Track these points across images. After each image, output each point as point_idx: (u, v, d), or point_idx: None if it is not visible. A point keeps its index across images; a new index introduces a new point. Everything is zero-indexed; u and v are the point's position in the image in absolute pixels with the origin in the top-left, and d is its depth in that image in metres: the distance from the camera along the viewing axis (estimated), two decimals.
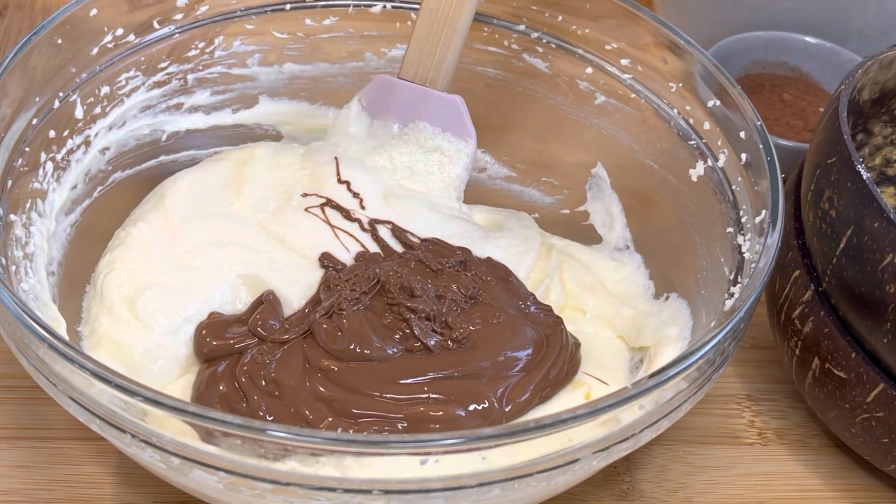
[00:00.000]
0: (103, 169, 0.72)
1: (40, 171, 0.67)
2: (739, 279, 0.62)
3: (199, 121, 0.77)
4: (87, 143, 0.71)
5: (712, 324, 0.61)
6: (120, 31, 0.71)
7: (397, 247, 0.71)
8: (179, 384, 0.65)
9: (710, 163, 0.69)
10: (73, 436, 0.67)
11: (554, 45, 0.76)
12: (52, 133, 0.68)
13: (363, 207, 0.72)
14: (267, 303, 0.66)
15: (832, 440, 0.71)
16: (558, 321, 0.68)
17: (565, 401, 0.65)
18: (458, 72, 0.74)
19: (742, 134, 0.67)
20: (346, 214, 0.71)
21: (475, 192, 0.78)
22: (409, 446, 0.51)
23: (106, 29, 0.71)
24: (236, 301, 0.68)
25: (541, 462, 0.53)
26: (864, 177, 0.60)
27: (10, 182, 0.64)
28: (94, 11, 0.70)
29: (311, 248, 0.69)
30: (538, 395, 0.64)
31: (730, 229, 0.66)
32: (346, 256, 0.69)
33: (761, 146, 0.65)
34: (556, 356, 0.66)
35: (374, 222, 0.71)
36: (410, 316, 0.65)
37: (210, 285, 0.67)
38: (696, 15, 0.94)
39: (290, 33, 0.77)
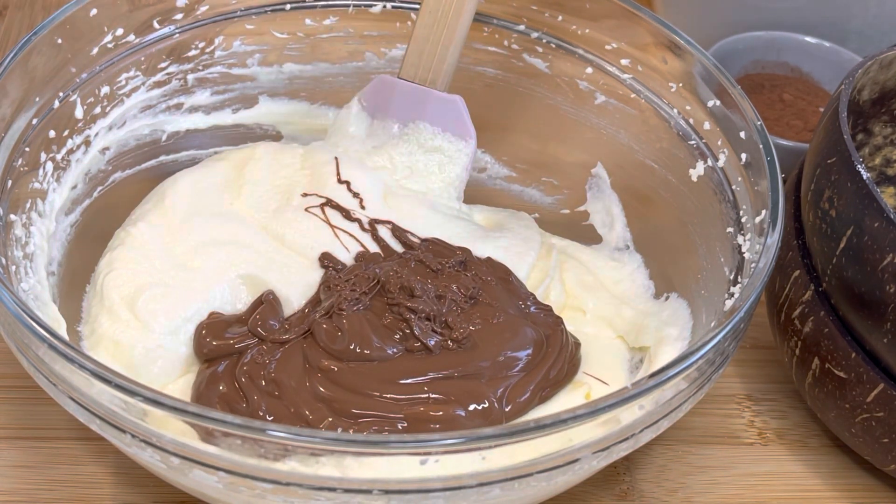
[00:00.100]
0: (103, 169, 0.72)
1: (40, 171, 0.67)
2: (739, 279, 0.62)
3: (199, 121, 0.77)
4: (87, 143, 0.71)
5: (712, 324, 0.61)
6: (120, 31, 0.71)
7: (397, 247, 0.71)
8: (179, 384, 0.65)
9: (710, 163, 0.69)
10: (73, 436, 0.67)
11: (554, 45, 0.76)
12: (52, 133, 0.68)
13: (363, 207, 0.72)
14: (267, 303, 0.66)
15: (832, 440, 0.71)
16: (558, 321, 0.68)
17: (565, 401, 0.65)
18: (458, 72, 0.74)
19: (742, 134, 0.67)
20: (346, 214, 0.71)
21: (475, 192, 0.78)
22: (409, 446, 0.51)
23: (106, 29, 0.71)
24: (236, 301, 0.68)
25: (541, 462, 0.53)
26: (864, 177, 0.60)
27: (10, 182, 0.64)
28: (94, 11, 0.70)
29: (311, 248, 0.69)
30: (538, 395, 0.64)
31: (730, 229, 0.66)
32: (346, 256, 0.69)
33: (761, 146, 0.65)
34: (556, 356, 0.66)
35: (374, 222, 0.71)
36: (410, 316, 0.65)
37: (210, 285, 0.67)
38: (696, 15, 0.94)
39: (290, 33, 0.77)
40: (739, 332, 0.59)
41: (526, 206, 0.79)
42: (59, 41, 0.68)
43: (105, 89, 0.71)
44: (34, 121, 0.66)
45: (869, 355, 0.62)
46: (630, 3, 0.73)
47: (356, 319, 0.65)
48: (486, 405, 0.62)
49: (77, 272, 0.69)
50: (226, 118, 0.78)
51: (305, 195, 0.72)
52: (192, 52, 0.75)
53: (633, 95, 0.74)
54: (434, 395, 0.62)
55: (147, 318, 0.65)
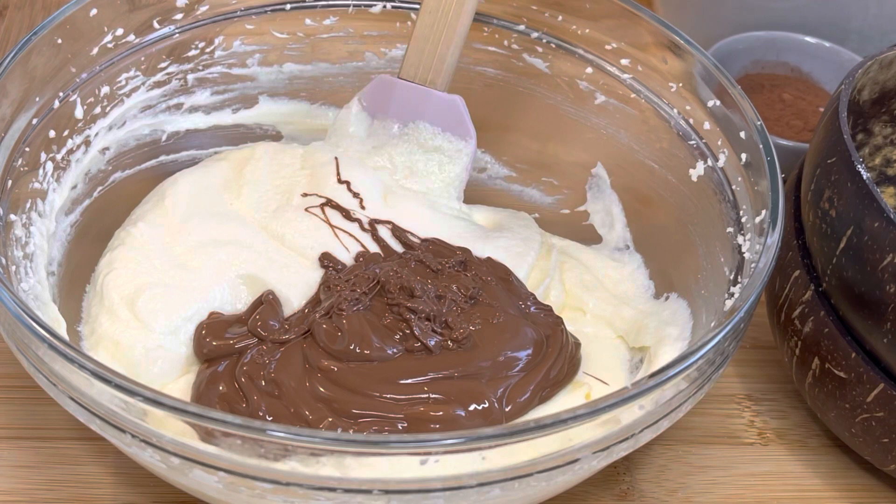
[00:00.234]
0: (103, 169, 0.72)
1: (40, 171, 0.67)
2: (739, 279, 0.62)
3: (199, 121, 0.77)
4: (87, 143, 0.71)
5: (712, 324, 0.61)
6: (120, 31, 0.71)
7: (397, 247, 0.71)
8: (179, 384, 0.65)
9: (710, 163, 0.69)
10: (73, 436, 0.67)
11: (554, 45, 0.76)
12: (52, 133, 0.68)
13: (363, 207, 0.72)
14: (267, 303, 0.66)
15: (832, 440, 0.71)
16: (558, 321, 0.68)
17: (565, 401, 0.65)
18: (458, 72, 0.74)
19: (742, 134, 0.67)
20: (346, 214, 0.71)
21: (475, 192, 0.78)
22: (409, 446, 0.51)
23: (106, 29, 0.71)
24: (236, 301, 0.68)
25: (541, 462, 0.53)
26: (864, 177, 0.60)
27: (10, 182, 0.64)
28: (94, 11, 0.70)
29: (311, 248, 0.69)
30: (538, 396, 0.64)
31: (730, 229, 0.66)
32: (346, 256, 0.69)
33: (761, 146, 0.65)
34: (557, 356, 0.66)
35: (374, 222, 0.71)
36: (410, 316, 0.65)
37: (210, 285, 0.67)
38: (696, 15, 0.94)
39: (290, 33, 0.77)
40: (739, 332, 0.59)
41: (526, 206, 0.79)
42: (59, 41, 0.68)
43: (105, 89, 0.71)
44: (34, 121, 0.66)
45: (869, 355, 0.62)
46: (630, 3, 0.73)
47: (356, 319, 0.65)
48: (486, 405, 0.62)
49: (77, 272, 0.69)
50: (226, 118, 0.78)
51: (305, 195, 0.72)
52: (192, 52, 0.75)
53: (633, 95, 0.74)
54: (434, 396, 0.62)
55: (147, 318, 0.65)
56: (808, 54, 0.90)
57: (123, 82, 0.72)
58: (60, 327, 0.62)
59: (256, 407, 0.61)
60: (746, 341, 0.76)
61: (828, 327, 0.63)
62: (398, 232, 0.71)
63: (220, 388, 0.63)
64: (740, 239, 0.64)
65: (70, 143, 0.69)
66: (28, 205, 0.66)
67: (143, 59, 0.73)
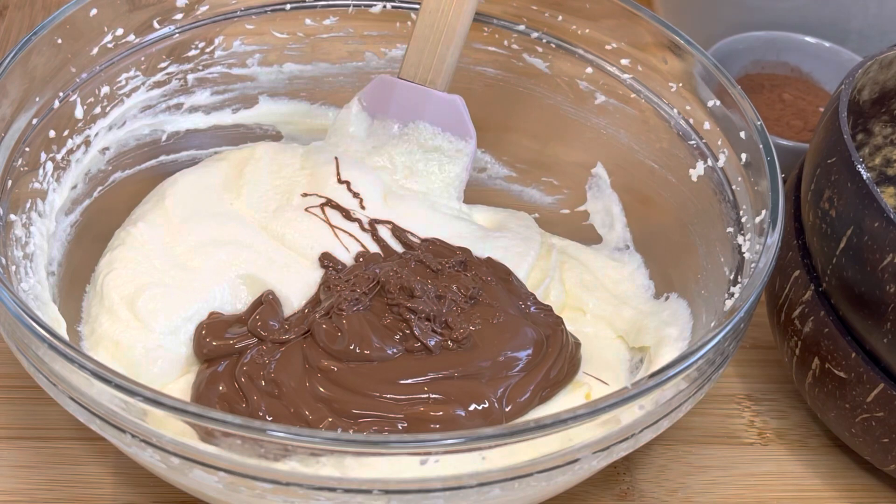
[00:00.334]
0: (103, 169, 0.72)
1: (40, 171, 0.67)
2: (739, 279, 0.62)
3: (199, 121, 0.77)
4: (87, 143, 0.71)
5: (712, 324, 0.61)
6: (120, 31, 0.71)
7: (397, 247, 0.71)
8: (179, 384, 0.65)
9: (710, 163, 0.69)
10: (73, 436, 0.67)
11: (554, 45, 0.76)
12: (52, 133, 0.68)
13: (363, 207, 0.72)
14: (267, 303, 0.66)
15: (832, 440, 0.71)
16: (558, 321, 0.68)
17: (565, 401, 0.65)
18: (458, 72, 0.74)
19: (742, 134, 0.67)
20: (346, 214, 0.71)
21: (475, 192, 0.78)
22: (409, 446, 0.51)
23: (106, 29, 0.71)
24: (236, 301, 0.68)
25: (541, 462, 0.53)
26: (864, 177, 0.60)
27: (10, 182, 0.64)
28: (94, 11, 0.70)
29: (311, 248, 0.69)
30: (538, 396, 0.64)
31: (730, 229, 0.66)
32: (346, 256, 0.69)
33: (761, 146, 0.65)
34: (557, 356, 0.66)
35: (374, 222, 0.71)
36: (410, 316, 0.65)
37: (210, 285, 0.67)
38: (696, 15, 0.94)
39: (290, 33, 0.77)
40: (739, 332, 0.59)
41: (526, 206, 0.79)
42: (59, 41, 0.68)
43: (105, 89, 0.71)
44: (34, 121, 0.66)
45: (869, 355, 0.62)
46: (630, 3, 0.73)
47: (356, 320, 0.65)
48: (486, 405, 0.62)
49: (77, 272, 0.69)
50: (226, 118, 0.78)
51: (305, 195, 0.72)
52: (192, 52, 0.75)
53: (633, 95, 0.74)
54: (434, 396, 0.62)
55: (147, 318, 0.65)
56: (808, 54, 0.90)
57: (123, 82, 0.72)
58: (60, 327, 0.62)
59: (256, 407, 0.61)
60: (746, 341, 0.76)
61: (828, 327, 0.63)
62: (398, 232, 0.71)
63: (220, 388, 0.63)
64: (740, 239, 0.64)
65: (70, 143, 0.69)
66: (28, 205, 0.66)
67: (143, 59, 0.73)
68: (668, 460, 0.69)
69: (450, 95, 0.74)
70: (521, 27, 0.76)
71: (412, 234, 0.72)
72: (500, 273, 0.70)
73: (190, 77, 0.76)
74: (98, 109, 0.71)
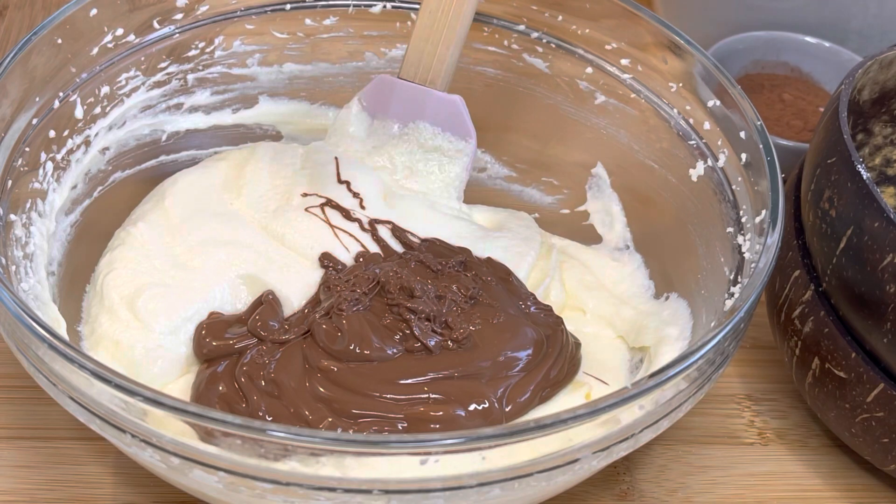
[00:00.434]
0: (103, 169, 0.72)
1: (40, 171, 0.67)
2: (739, 279, 0.62)
3: (199, 121, 0.77)
4: (87, 143, 0.71)
5: (712, 324, 0.61)
6: (120, 31, 0.71)
7: (397, 247, 0.71)
8: (179, 384, 0.65)
9: (710, 163, 0.69)
10: (73, 436, 0.67)
11: (554, 45, 0.76)
12: (52, 133, 0.68)
13: (363, 207, 0.72)
14: (266, 303, 0.66)
15: (832, 440, 0.71)
16: (559, 321, 0.68)
17: (565, 401, 0.65)
18: (458, 72, 0.74)
19: (742, 134, 0.67)
20: (346, 214, 0.71)
21: (475, 192, 0.78)
22: (409, 446, 0.51)
23: (106, 29, 0.71)
24: (236, 301, 0.68)
25: (541, 462, 0.53)
26: (864, 177, 0.60)
27: (10, 182, 0.64)
28: (94, 11, 0.70)
29: (311, 248, 0.69)
30: (538, 396, 0.64)
31: (730, 229, 0.66)
32: (346, 256, 0.69)
33: (761, 146, 0.65)
34: (557, 356, 0.66)
35: (374, 222, 0.71)
36: (410, 316, 0.65)
37: (210, 285, 0.67)
38: (696, 15, 0.94)
39: (290, 33, 0.77)
40: (739, 332, 0.59)
41: (526, 206, 0.79)
42: (59, 41, 0.68)
43: (105, 89, 0.71)
44: (34, 121, 0.66)
45: (869, 355, 0.62)
46: (630, 3, 0.73)
47: (356, 320, 0.65)
48: (487, 405, 0.62)
49: (77, 272, 0.69)
50: (226, 118, 0.78)
51: (305, 195, 0.72)
52: (192, 52, 0.75)
53: (633, 95, 0.74)
54: (434, 396, 0.62)
55: (147, 318, 0.65)
56: (808, 54, 0.90)
57: (123, 82, 0.72)
58: (60, 327, 0.62)
59: (256, 407, 0.61)
60: (746, 341, 0.76)
61: (828, 327, 0.63)
62: (398, 232, 0.71)
63: (220, 388, 0.63)
64: (740, 239, 0.64)
65: (70, 143, 0.69)
66: (28, 205, 0.65)
67: (143, 59, 0.73)
68: (668, 460, 0.69)
69: (450, 95, 0.74)
70: (521, 27, 0.76)
71: (412, 234, 0.72)
72: (500, 273, 0.70)
73: (190, 77, 0.76)
74: (98, 109, 0.71)
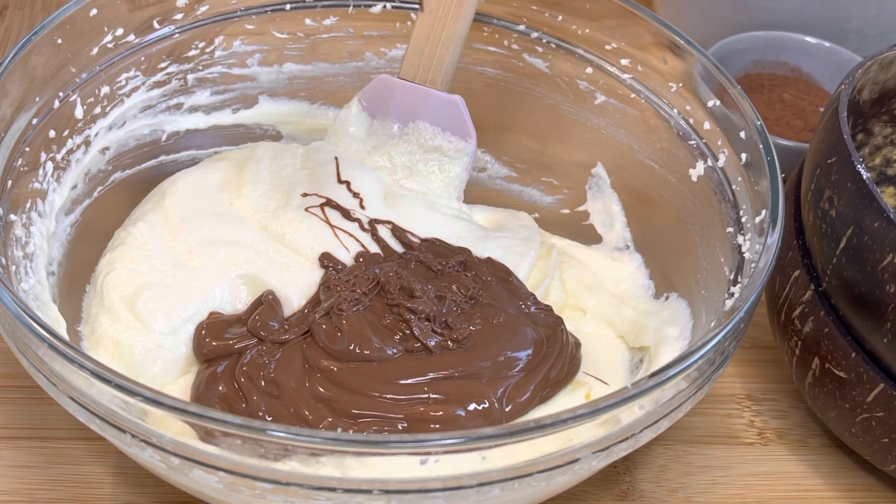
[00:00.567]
0: (103, 169, 0.72)
1: (40, 171, 0.67)
2: (739, 279, 0.62)
3: (199, 121, 0.77)
4: (87, 143, 0.71)
5: (712, 324, 0.61)
6: (120, 31, 0.71)
7: (397, 247, 0.71)
8: (179, 384, 0.65)
9: (710, 163, 0.69)
10: (73, 436, 0.67)
11: (554, 45, 0.76)
12: (52, 133, 0.68)
13: (363, 207, 0.72)
14: (266, 303, 0.66)
15: (832, 440, 0.71)
16: (559, 321, 0.68)
17: (565, 401, 0.65)
18: (458, 72, 0.74)
19: (742, 134, 0.67)
20: (346, 214, 0.71)
21: (475, 192, 0.78)
22: (409, 446, 0.51)
23: (106, 29, 0.71)
24: (236, 301, 0.68)
25: (541, 462, 0.53)
26: (864, 177, 0.60)
27: (10, 182, 0.64)
28: (94, 11, 0.70)
29: (311, 248, 0.69)
30: (538, 396, 0.64)
31: (730, 229, 0.66)
32: (346, 256, 0.69)
33: (761, 146, 0.65)
34: (557, 356, 0.66)
35: (374, 222, 0.71)
36: (410, 316, 0.65)
37: (210, 285, 0.67)
38: (696, 15, 0.94)
39: (290, 33, 0.77)
40: (739, 332, 0.59)
41: (526, 206, 0.79)
42: (59, 41, 0.68)
43: (105, 89, 0.71)
44: (34, 121, 0.66)
45: (869, 355, 0.62)
46: (630, 3, 0.73)
47: (356, 320, 0.65)
48: (487, 405, 0.62)
49: (77, 272, 0.69)
50: (226, 118, 0.78)
51: (305, 195, 0.72)
52: (192, 52, 0.75)
53: (633, 95, 0.74)
54: (434, 396, 0.62)
55: (147, 317, 0.65)
56: (808, 54, 0.90)
57: (123, 82, 0.72)
58: (60, 327, 0.62)
59: (256, 407, 0.61)
60: (746, 341, 0.76)
61: (828, 327, 0.63)
62: (398, 232, 0.71)
63: (220, 388, 0.63)
64: (740, 239, 0.64)
65: (70, 143, 0.69)
66: (28, 205, 0.65)
67: (143, 59, 0.73)
68: (668, 460, 0.69)
69: (450, 95, 0.74)
70: (521, 27, 0.76)
71: (412, 234, 0.72)
72: (500, 273, 0.70)
73: (190, 77, 0.76)
74: (98, 109, 0.71)
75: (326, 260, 0.69)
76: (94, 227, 0.71)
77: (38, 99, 0.67)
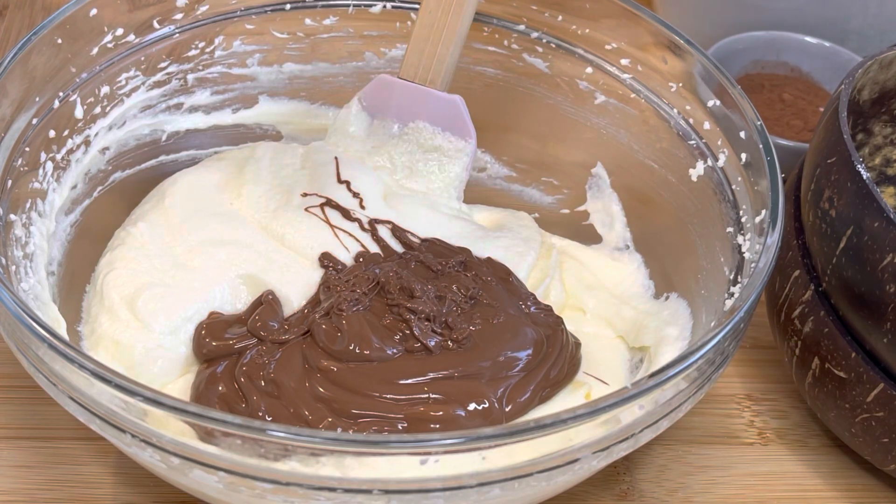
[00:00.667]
0: (103, 169, 0.72)
1: (40, 171, 0.67)
2: (739, 279, 0.62)
3: (199, 121, 0.77)
4: (87, 142, 0.71)
5: (712, 324, 0.61)
6: (120, 31, 0.71)
7: (397, 247, 0.71)
8: (179, 384, 0.65)
9: (710, 163, 0.69)
10: (73, 436, 0.67)
11: (554, 45, 0.76)
12: (52, 133, 0.68)
13: (363, 207, 0.72)
14: (266, 303, 0.66)
15: (832, 440, 0.71)
16: (559, 321, 0.68)
17: (565, 401, 0.65)
18: (458, 72, 0.74)
19: (742, 134, 0.67)
20: (346, 214, 0.71)
21: (475, 192, 0.78)
22: (409, 446, 0.51)
23: (106, 29, 0.71)
24: (236, 301, 0.68)
25: (541, 462, 0.53)
26: (864, 177, 0.60)
27: (10, 182, 0.64)
28: (94, 11, 0.70)
29: (311, 247, 0.69)
30: (538, 395, 0.64)
31: (730, 229, 0.66)
32: (346, 256, 0.69)
33: (761, 146, 0.65)
34: (557, 356, 0.66)
35: (374, 222, 0.71)
36: (410, 317, 0.65)
37: (210, 285, 0.67)
38: (696, 15, 0.94)
39: (290, 33, 0.77)
40: (739, 332, 0.59)
41: (526, 206, 0.79)
42: (59, 41, 0.68)
43: (105, 89, 0.71)
44: (34, 121, 0.66)
45: (869, 355, 0.62)
46: (630, 3, 0.73)
47: (356, 320, 0.65)
48: (487, 405, 0.62)
49: (77, 272, 0.69)
50: (226, 118, 0.78)
51: (305, 195, 0.72)
52: (192, 52, 0.75)
53: (633, 95, 0.74)
54: (434, 396, 0.62)
55: (147, 317, 0.65)
56: (808, 54, 0.90)
57: (123, 82, 0.72)
58: (60, 327, 0.62)
59: (256, 407, 0.61)
60: (746, 341, 0.76)
61: (828, 327, 0.63)
62: (398, 232, 0.71)
63: (220, 388, 0.63)
64: (740, 239, 0.64)
65: (70, 143, 0.69)
66: (28, 205, 0.65)
67: (143, 59, 0.73)
68: (668, 460, 0.69)
69: (450, 95, 0.74)
70: (521, 27, 0.76)
71: (412, 234, 0.72)
72: (500, 273, 0.70)
73: (190, 77, 0.76)
74: (98, 109, 0.71)
75: (326, 260, 0.69)
76: (94, 227, 0.71)
77: (38, 99, 0.67)
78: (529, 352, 0.65)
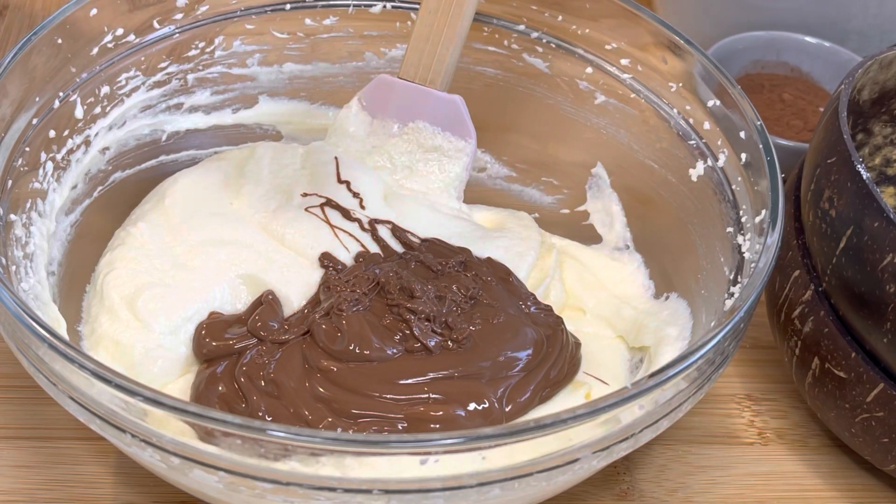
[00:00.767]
0: (103, 169, 0.72)
1: (40, 171, 0.67)
2: (739, 279, 0.62)
3: (199, 121, 0.77)
4: (87, 142, 0.71)
5: (712, 324, 0.61)
6: (120, 31, 0.71)
7: (397, 247, 0.71)
8: (179, 384, 0.65)
9: (710, 163, 0.69)
10: (73, 436, 0.67)
11: (554, 45, 0.76)
12: (52, 133, 0.68)
13: (363, 207, 0.72)
14: (266, 303, 0.66)
15: (832, 440, 0.71)
16: (559, 321, 0.68)
17: (565, 401, 0.65)
18: (458, 72, 0.74)
19: (742, 134, 0.67)
20: (346, 214, 0.71)
21: (475, 192, 0.78)
22: (409, 446, 0.51)
23: (106, 29, 0.71)
24: (236, 301, 0.68)
25: (541, 462, 0.53)
26: (864, 177, 0.60)
27: (10, 182, 0.64)
28: (94, 11, 0.70)
29: (311, 247, 0.69)
30: (538, 395, 0.64)
31: (730, 229, 0.66)
32: (346, 256, 0.69)
33: (761, 146, 0.65)
34: (557, 356, 0.66)
35: (374, 222, 0.71)
36: (410, 317, 0.65)
37: (210, 285, 0.67)
38: (696, 15, 0.94)
39: (290, 33, 0.77)
40: (739, 332, 0.59)
41: (526, 206, 0.79)
42: (59, 41, 0.68)
43: (105, 89, 0.71)
44: (34, 121, 0.66)
45: (869, 355, 0.62)
46: (630, 3, 0.73)
47: (356, 320, 0.65)
48: (487, 405, 0.62)
49: (77, 272, 0.69)
50: (226, 118, 0.78)
51: (305, 195, 0.72)
52: (192, 52, 0.75)
53: (633, 95, 0.74)
54: (434, 396, 0.62)
55: (147, 317, 0.65)
56: (808, 54, 0.90)
57: (123, 82, 0.72)
58: (60, 327, 0.62)
59: (256, 407, 0.61)
60: (746, 341, 0.76)
61: (828, 327, 0.63)
62: (398, 232, 0.71)
63: (220, 388, 0.63)
64: (740, 239, 0.64)
65: (70, 143, 0.69)
66: (28, 205, 0.66)
67: (143, 59, 0.73)
68: (668, 460, 0.69)
69: (450, 95, 0.74)
70: (521, 27, 0.76)
71: (412, 234, 0.72)
72: (500, 273, 0.70)
73: (190, 77, 0.76)
74: (98, 109, 0.71)
75: (326, 260, 0.69)
76: (94, 227, 0.71)
77: (38, 99, 0.67)
78: (529, 352, 0.65)
